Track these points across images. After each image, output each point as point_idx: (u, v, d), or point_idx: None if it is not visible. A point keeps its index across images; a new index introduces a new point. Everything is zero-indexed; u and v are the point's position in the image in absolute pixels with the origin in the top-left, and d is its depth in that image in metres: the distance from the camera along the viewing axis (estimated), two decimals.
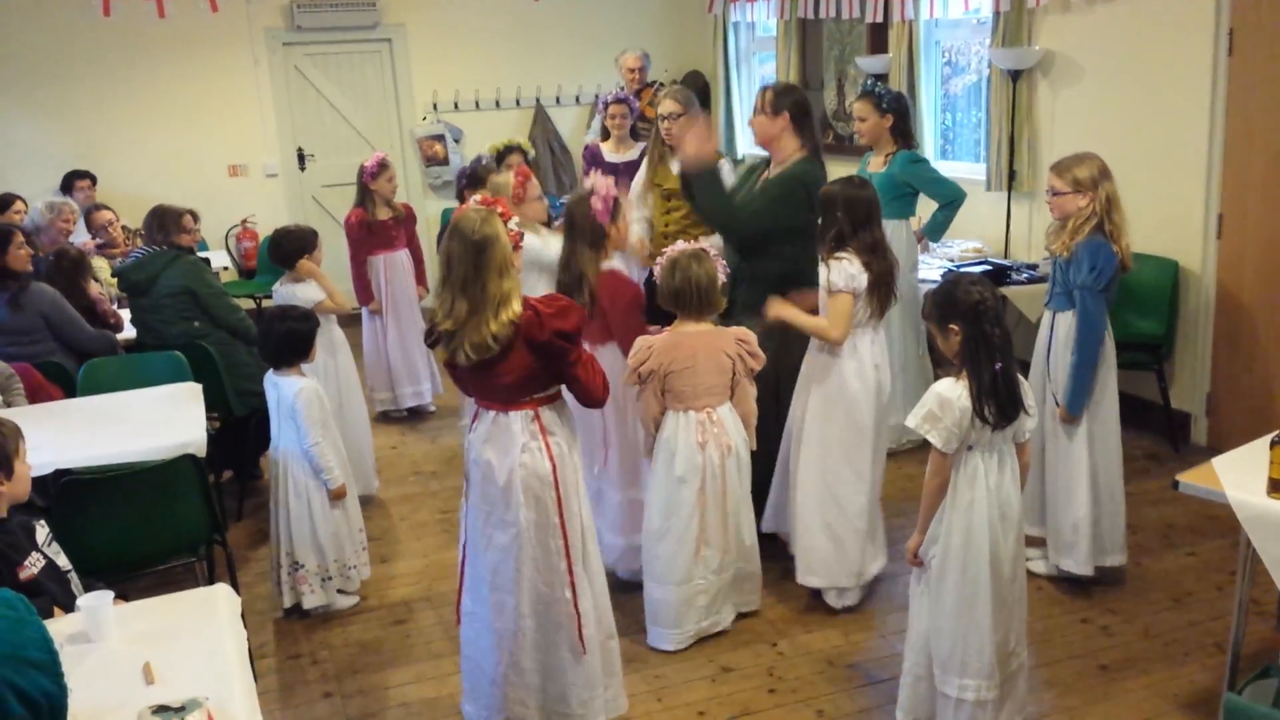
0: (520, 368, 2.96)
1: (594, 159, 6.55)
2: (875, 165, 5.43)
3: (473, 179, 5.68)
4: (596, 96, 8.41)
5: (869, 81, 5.99)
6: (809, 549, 3.97)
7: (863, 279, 3.76)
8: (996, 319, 2.90)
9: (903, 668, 3.22)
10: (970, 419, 2.89)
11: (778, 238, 4.12)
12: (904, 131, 5.42)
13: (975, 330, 2.90)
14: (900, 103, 5.41)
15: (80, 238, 6.83)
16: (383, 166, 6.12)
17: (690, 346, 3.66)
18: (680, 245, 3.75)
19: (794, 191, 4.13)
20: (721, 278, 3.69)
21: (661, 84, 7.84)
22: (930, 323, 3.05)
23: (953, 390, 2.92)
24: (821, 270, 3.80)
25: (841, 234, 3.79)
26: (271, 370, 4.19)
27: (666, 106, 5.11)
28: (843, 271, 3.74)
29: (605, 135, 6.58)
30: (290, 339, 4.13)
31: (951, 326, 2.93)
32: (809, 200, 4.02)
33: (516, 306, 2.91)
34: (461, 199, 5.48)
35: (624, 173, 6.56)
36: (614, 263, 3.96)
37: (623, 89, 7.69)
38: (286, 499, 4.09)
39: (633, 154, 6.62)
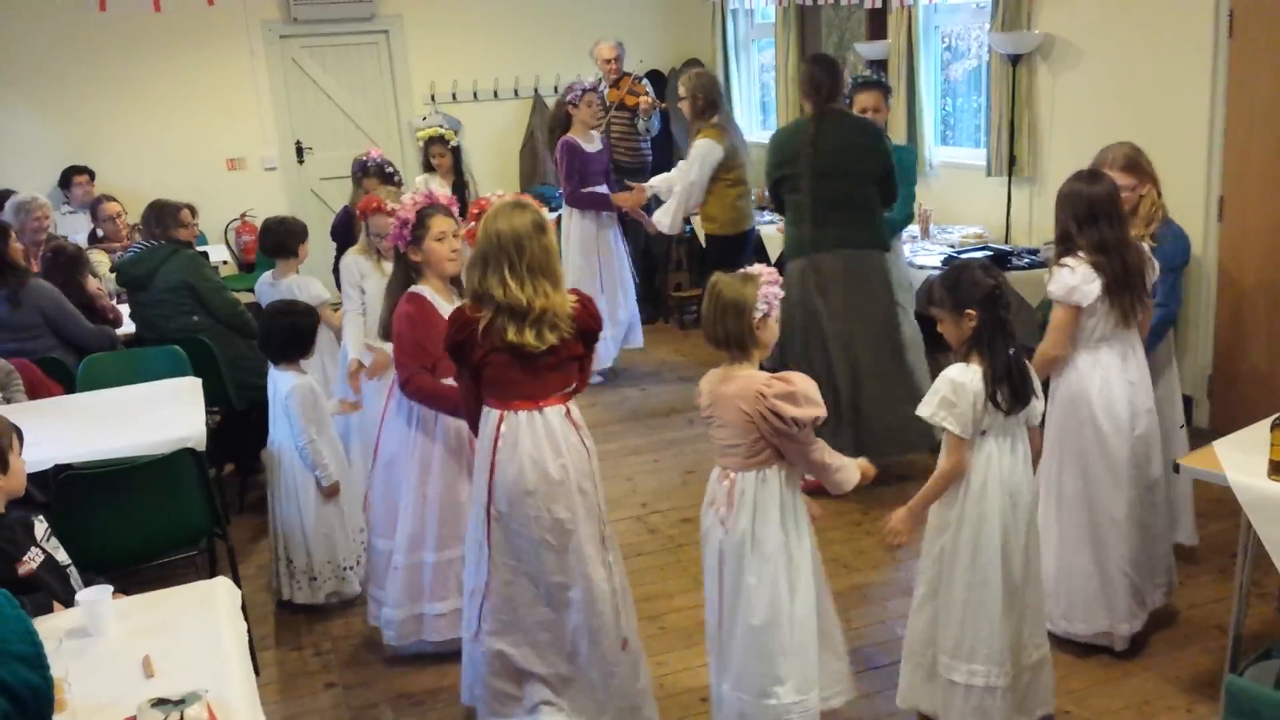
0: (567, 355, 3.01)
1: (572, 155, 6.56)
2: None
3: (365, 170, 5.57)
4: (557, 88, 8.42)
5: (870, 71, 5.85)
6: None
7: (1090, 289, 3.32)
8: (1006, 304, 2.92)
9: (903, 654, 3.21)
10: (984, 403, 2.89)
11: None
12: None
13: (991, 316, 2.90)
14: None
15: (78, 235, 6.84)
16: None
17: (711, 391, 2.97)
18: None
19: None
20: (762, 307, 2.87)
21: (640, 76, 7.83)
22: (941, 309, 3.00)
23: (965, 374, 2.91)
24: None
25: (1067, 234, 3.38)
26: (270, 365, 4.19)
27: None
28: (1060, 281, 3.35)
29: (566, 127, 6.56)
30: (291, 334, 4.12)
31: (969, 312, 2.92)
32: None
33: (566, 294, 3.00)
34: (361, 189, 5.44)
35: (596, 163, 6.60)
36: (423, 288, 3.50)
37: (600, 80, 7.68)
38: (280, 495, 4.09)
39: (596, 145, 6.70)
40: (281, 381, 4.09)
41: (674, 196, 6.15)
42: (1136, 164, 3.81)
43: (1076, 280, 3.31)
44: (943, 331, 3.05)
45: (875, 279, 4.84)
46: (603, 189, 6.66)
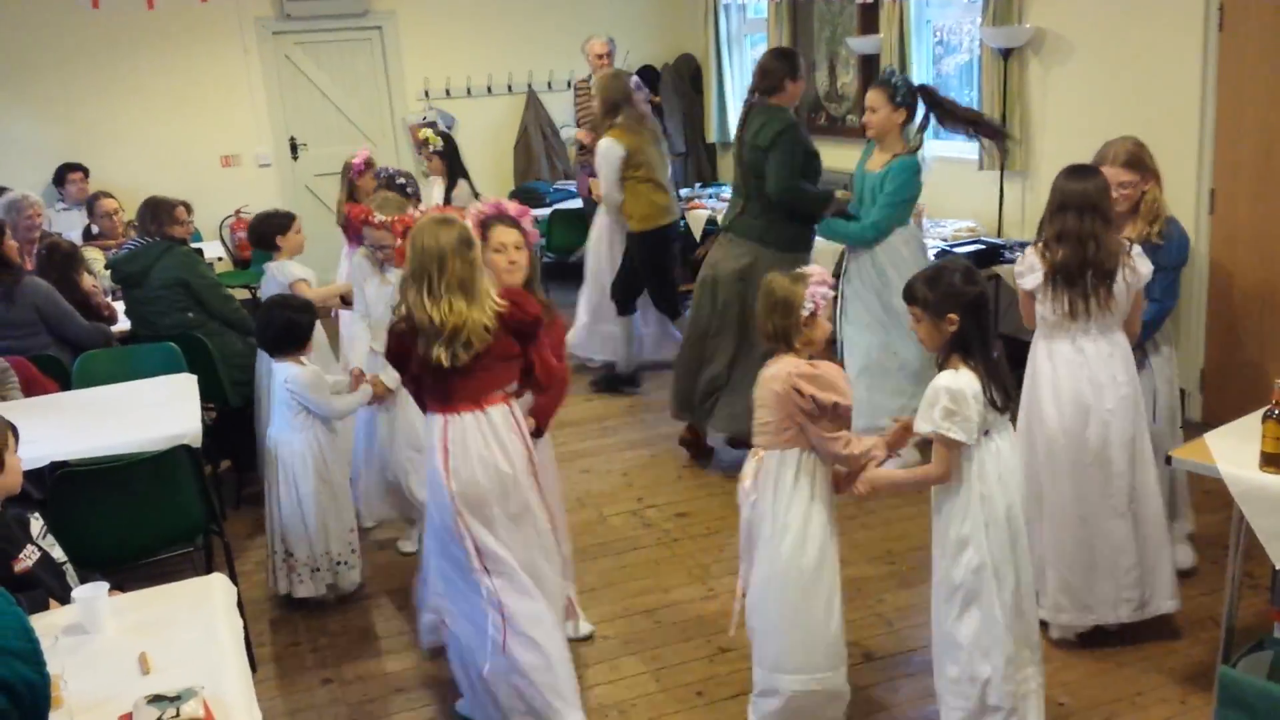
0: (501, 356, 3.08)
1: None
2: (874, 164, 4.91)
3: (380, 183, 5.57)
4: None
5: (888, 70, 5.59)
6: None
7: (1031, 276, 3.45)
8: (989, 311, 2.95)
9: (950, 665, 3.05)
10: (985, 405, 2.86)
11: None
12: (910, 130, 4.87)
13: (973, 322, 2.88)
14: (916, 98, 4.80)
15: (72, 232, 6.83)
16: (369, 164, 6.08)
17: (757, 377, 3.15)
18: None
19: None
20: (809, 305, 3.02)
21: (630, 72, 7.83)
22: (922, 310, 2.95)
23: (959, 380, 2.86)
24: None
25: (1041, 222, 3.52)
26: (269, 358, 4.20)
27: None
28: (1016, 264, 3.54)
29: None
30: (287, 329, 4.12)
31: (950, 317, 2.89)
32: None
33: (496, 297, 3.06)
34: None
35: None
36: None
37: (591, 76, 7.68)
38: (277, 486, 4.10)
39: None
40: (279, 371, 4.10)
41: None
42: (1139, 160, 3.77)
43: (1023, 266, 3.49)
44: (916, 329, 3.01)
45: (753, 270, 4.79)
46: None
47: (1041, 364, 3.54)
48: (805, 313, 3.00)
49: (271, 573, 4.16)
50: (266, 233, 5.08)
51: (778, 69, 4.92)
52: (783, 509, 3.03)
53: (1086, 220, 3.37)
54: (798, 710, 3.11)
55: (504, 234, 3.40)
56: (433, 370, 3.03)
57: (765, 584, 3.08)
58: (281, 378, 4.07)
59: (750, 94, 5.04)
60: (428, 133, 6.69)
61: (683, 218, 7.31)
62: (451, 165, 6.59)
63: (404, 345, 3.09)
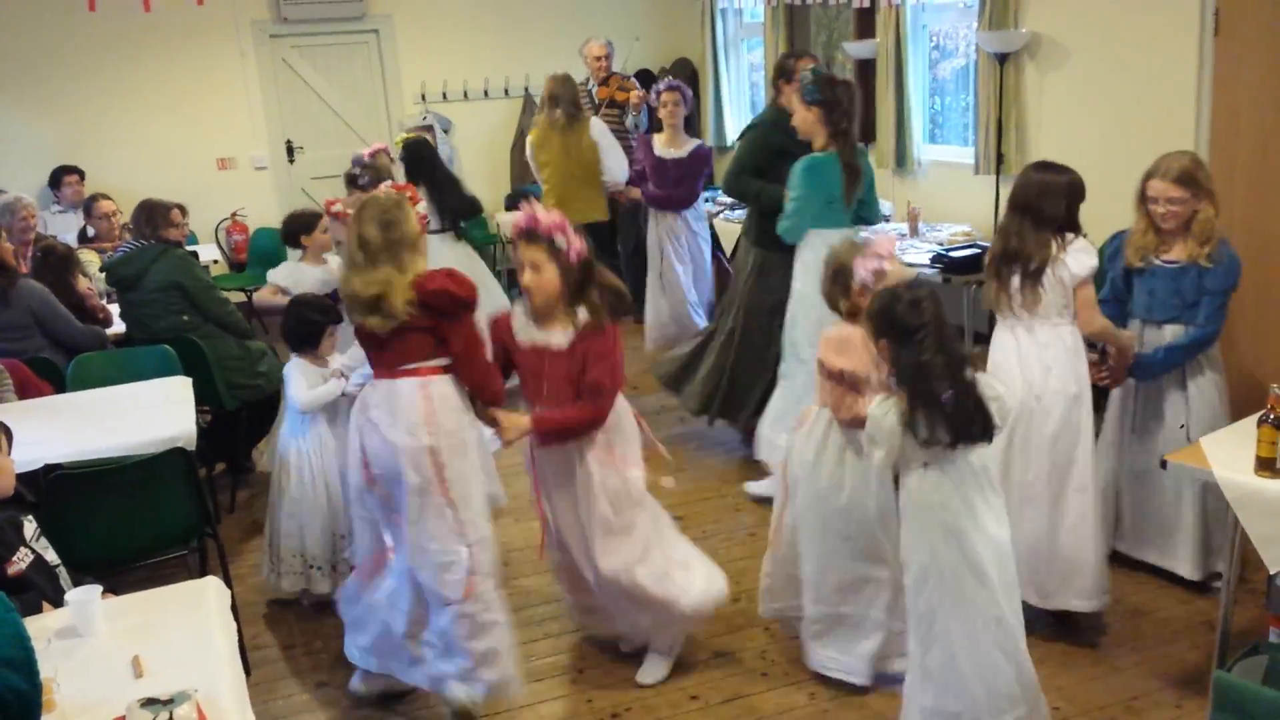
0: (416, 329, 3.15)
1: (646, 152, 6.66)
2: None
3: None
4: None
5: (804, 72, 5.47)
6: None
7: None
8: (936, 345, 2.78)
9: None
10: (910, 438, 2.80)
11: None
12: (838, 126, 4.59)
13: (910, 353, 2.79)
14: (828, 93, 4.58)
15: (67, 234, 6.82)
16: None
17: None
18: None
19: None
20: (859, 276, 3.25)
21: (628, 75, 7.85)
22: (866, 325, 2.97)
23: (878, 408, 2.85)
24: None
25: None
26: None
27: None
28: None
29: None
30: (294, 324, 4.14)
31: (881, 342, 2.87)
32: None
33: (421, 268, 3.20)
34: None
35: (673, 169, 6.56)
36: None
37: (589, 79, 7.70)
38: (292, 490, 4.09)
39: (683, 151, 6.64)
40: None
41: None
42: (1192, 177, 3.66)
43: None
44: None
45: (744, 267, 5.25)
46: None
47: (992, 347, 3.69)
48: (856, 283, 3.22)
49: (276, 575, 4.16)
50: (293, 231, 5.08)
51: (781, 69, 5.14)
52: (813, 460, 3.33)
53: (1015, 216, 3.53)
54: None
55: (523, 251, 3.29)
56: (364, 338, 3.25)
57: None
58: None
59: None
60: (400, 135, 6.72)
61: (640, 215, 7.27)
62: (411, 173, 6.16)
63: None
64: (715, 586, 3.50)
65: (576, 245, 3.26)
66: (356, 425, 3.29)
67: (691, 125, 7.36)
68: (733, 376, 5.24)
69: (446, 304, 3.14)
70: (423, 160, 6.27)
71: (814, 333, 3.81)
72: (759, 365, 5.08)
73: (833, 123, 4.57)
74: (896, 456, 2.87)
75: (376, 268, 3.11)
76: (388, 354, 3.20)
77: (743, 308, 5.18)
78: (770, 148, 5.00)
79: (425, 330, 3.15)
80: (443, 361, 3.20)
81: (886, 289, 3.00)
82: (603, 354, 3.31)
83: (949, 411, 2.76)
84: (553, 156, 6.60)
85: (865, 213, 4.84)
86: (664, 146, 6.60)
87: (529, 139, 6.74)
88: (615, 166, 6.75)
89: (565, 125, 6.55)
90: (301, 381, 4.09)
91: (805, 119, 4.64)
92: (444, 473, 3.17)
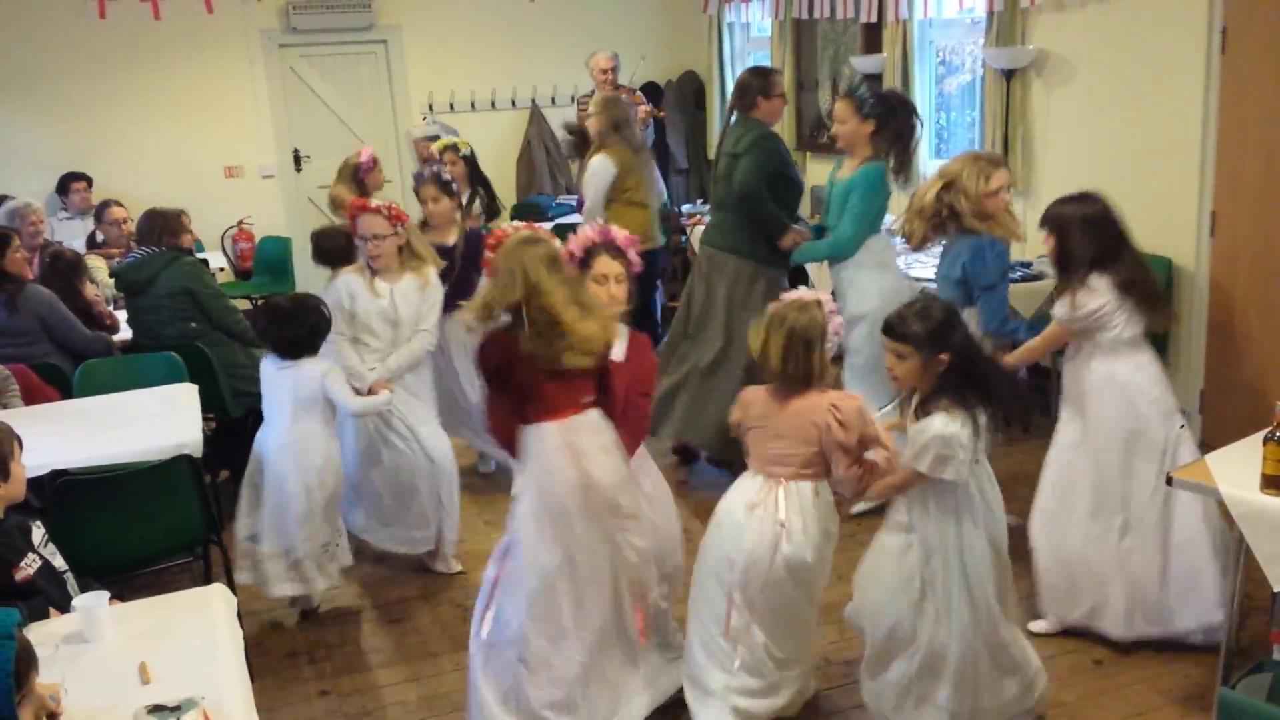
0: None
1: None
2: (844, 173, 4.84)
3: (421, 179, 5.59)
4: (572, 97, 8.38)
5: (856, 80, 5.55)
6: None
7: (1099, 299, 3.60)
8: (975, 346, 3.02)
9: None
10: (975, 446, 2.92)
11: None
12: (890, 141, 4.73)
13: (969, 361, 2.94)
14: (888, 108, 4.73)
15: (75, 241, 6.84)
16: (376, 162, 6.09)
17: (766, 405, 3.15)
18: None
19: None
20: (833, 340, 3.09)
21: (635, 88, 7.88)
22: (914, 346, 2.93)
23: (949, 427, 2.87)
24: None
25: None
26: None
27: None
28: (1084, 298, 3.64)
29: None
30: (321, 327, 4.08)
31: (943, 356, 2.91)
32: None
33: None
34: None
35: None
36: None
37: (594, 91, 7.73)
38: (283, 487, 4.02)
39: None
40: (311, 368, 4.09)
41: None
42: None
43: (1085, 297, 3.59)
44: (895, 368, 2.99)
45: (723, 281, 5.02)
46: None
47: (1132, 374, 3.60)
48: (830, 347, 3.04)
49: (260, 578, 4.06)
50: (332, 254, 4.90)
51: (752, 85, 4.99)
52: (816, 539, 3.08)
53: (1129, 244, 3.58)
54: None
55: (606, 265, 3.29)
56: (538, 380, 3.03)
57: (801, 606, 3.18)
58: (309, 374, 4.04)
59: (729, 111, 5.14)
60: (454, 139, 6.67)
61: (684, 235, 7.32)
62: (474, 176, 6.40)
63: (505, 355, 3.04)
64: None
65: (638, 263, 3.37)
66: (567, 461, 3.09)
67: (664, 132, 7.44)
68: None
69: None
70: (477, 164, 6.50)
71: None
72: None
73: (884, 138, 4.69)
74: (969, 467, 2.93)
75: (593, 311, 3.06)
76: (569, 390, 3.09)
77: (733, 327, 4.92)
78: (783, 168, 5.00)
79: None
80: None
81: (915, 303, 3.04)
82: (651, 363, 3.41)
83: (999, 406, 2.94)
84: (641, 180, 6.20)
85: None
86: None
87: (613, 171, 6.02)
88: (663, 187, 6.75)
89: (641, 145, 6.34)
90: (347, 387, 4.06)
91: (859, 131, 4.70)
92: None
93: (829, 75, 8.09)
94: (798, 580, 3.09)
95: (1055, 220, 3.60)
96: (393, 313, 4.29)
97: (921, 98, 6.98)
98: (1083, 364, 3.63)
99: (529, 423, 3.10)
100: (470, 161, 6.47)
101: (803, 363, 3.01)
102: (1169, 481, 3.21)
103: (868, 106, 4.68)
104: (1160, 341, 5.30)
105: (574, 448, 3.07)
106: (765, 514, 3.06)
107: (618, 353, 3.22)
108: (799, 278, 5.83)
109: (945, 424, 2.87)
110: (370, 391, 4.19)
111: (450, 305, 4.51)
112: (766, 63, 8.73)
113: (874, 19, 7.08)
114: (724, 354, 5.01)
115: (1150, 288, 3.59)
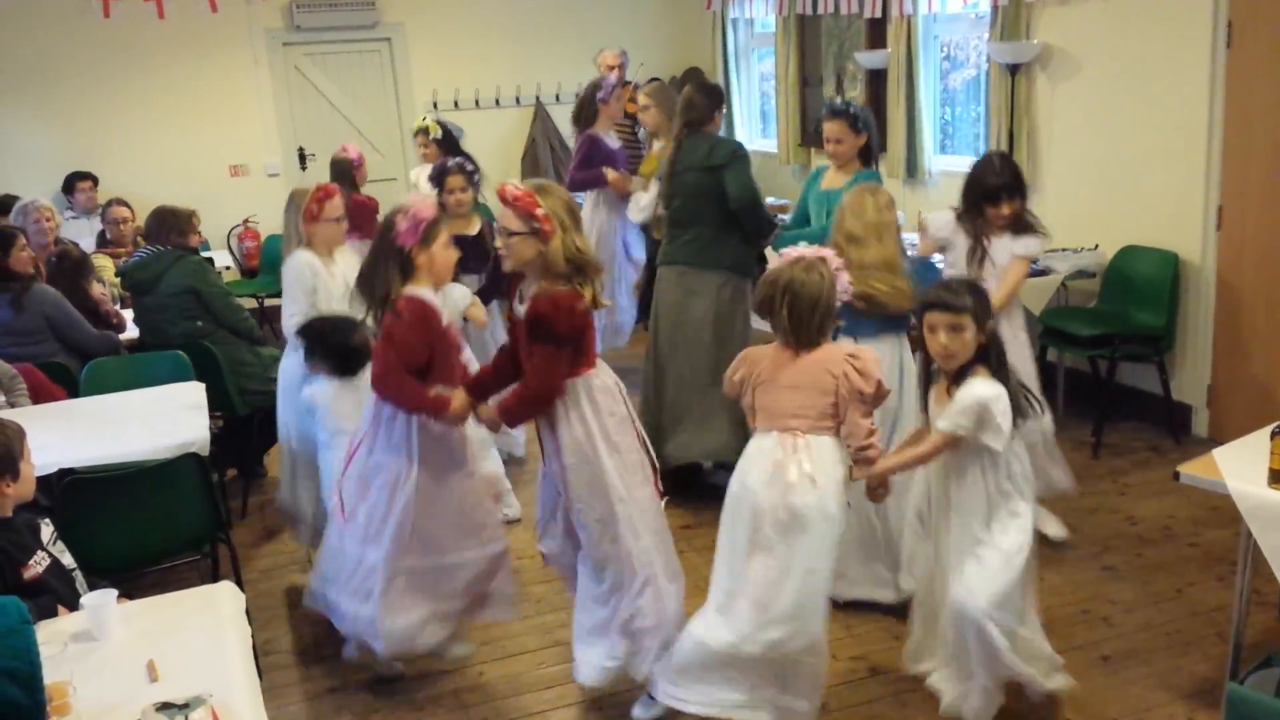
0: None
1: (594, 147, 6.56)
2: (832, 182, 4.77)
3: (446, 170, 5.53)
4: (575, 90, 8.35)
5: (836, 99, 5.47)
6: None
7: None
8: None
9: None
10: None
11: None
12: (870, 150, 4.78)
13: (994, 341, 3.07)
14: (871, 118, 4.78)
15: (82, 240, 6.85)
16: (362, 158, 6.10)
17: (774, 360, 3.14)
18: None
19: None
20: (843, 292, 3.13)
21: (639, 84, 7.87)
22: (972, 319, 3.00)
23: (993, 388, 3.00)
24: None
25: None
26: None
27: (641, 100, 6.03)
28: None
29: (592, 121, 6.60)
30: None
31: (989, 324, 3.04)
32: None
33: None
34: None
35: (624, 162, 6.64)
36: (422, 290, 3.43)
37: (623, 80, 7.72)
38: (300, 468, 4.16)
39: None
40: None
41: (650, 192, 6.15)
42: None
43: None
44: (950, 342, 3.01)
45: (702, 297, 4.91)
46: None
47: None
48: (840, 302, 3.11)
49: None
50: None
51: (704, 103, 4.97)
52: (837, 492, 3.03)
53: None
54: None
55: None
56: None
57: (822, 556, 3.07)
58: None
59: (681, 128, 5.00)
60: (428, 121, 6.71)
61: None
62: (448, 153, 6.42)
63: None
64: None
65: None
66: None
67: None
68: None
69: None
70: (456, 142, 6.60)
71: None
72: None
73: (871, 149, 4.76)
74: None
75: None
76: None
77: (720, 338, 4.92)
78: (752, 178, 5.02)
79: None
80: None
81: (949, 281, 3.19)
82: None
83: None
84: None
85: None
86: (610, 140, 6.68)
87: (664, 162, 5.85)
88: None
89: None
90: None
91: (855, 145, 4.69)
92: None
93: (833, 71, 8.07)
94: (821, 533, 3.01)
95: (1018, 185, 4.12)
96: (346, 284, 4.17)
97: (926, 93, 6.97)
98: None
99: (577, 375, 3.26)
100: (443, 143, 6.54)
101: (812, 322, 3.03)
102: (1175, 477, 3.21)
103: (860, 122, 4.68)
104: (1167, 337, 5.32)
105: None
106: (792, 467, 3.02)
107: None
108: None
109: (989, 386, 2.98)
110: None
111: (493, 293, 4.52)
112: (770, 59, 8.74)
113: (878, 14, 7.06)
114: (718, 367, 4.95)
115: None
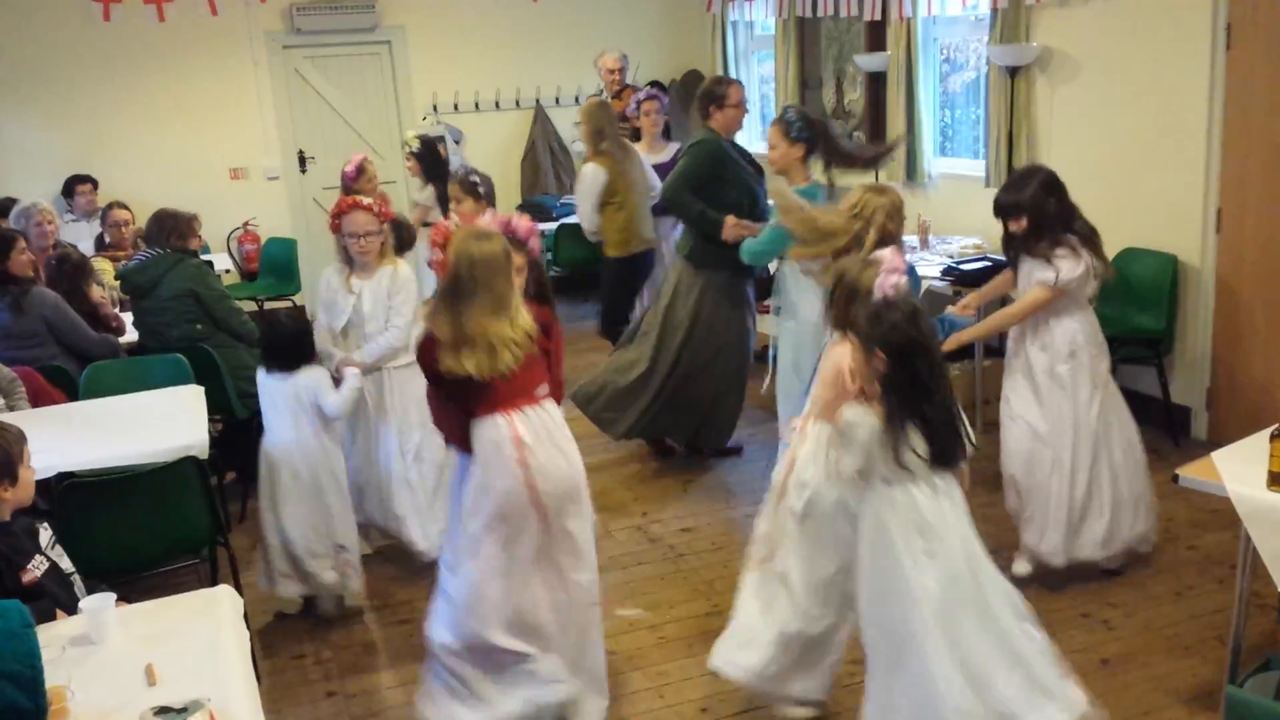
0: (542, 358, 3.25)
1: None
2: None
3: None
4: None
5: (786, 107, 5.44)
6: None
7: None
8: (930, 363, 2.74)
9: None
10: (888, 454, 2.73)
11: None
12: (826, 160, 4.78)
13: (907, 369, 2.71)
14: (814, 132, 4.73)
15: (81, 243, 6.86)
16: (360, 170, 6.11)
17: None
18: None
19: None
20: (879, 294, 2.98)
21: (639, 86, 7.89)
22: (858, 340, 2.84)
23: (856, 415, 2.77)
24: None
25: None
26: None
27: None
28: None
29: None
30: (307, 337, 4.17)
31: (879, 354, 2.73)
32: None
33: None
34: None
35: (660, 175, 6.58)
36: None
37: (602, 90, 7.74)
38: (290, 492, 4.08)
39: (665, 155, 6.68)
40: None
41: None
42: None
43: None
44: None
45: (684, 287, 5.26)
46: None
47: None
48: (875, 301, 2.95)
49: (272, 580, 4.14)
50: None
51: (697, 102, 5.23)
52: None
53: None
54: None
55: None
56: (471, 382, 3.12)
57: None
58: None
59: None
60: (409, 134, 6.75)
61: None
62: (428, 170, 6.61)
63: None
64: None
65: (536, 249, 3.48)
66: (515, 458, 3.16)
67: (670, 131, 7.49)
68: (712, 403, 5.37)
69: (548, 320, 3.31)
70: (438, 157, 6.59)
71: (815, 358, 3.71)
72: (720, 385, 5.33)
73: (809, 159, 4.76)
74: (864, 466, 2.79)
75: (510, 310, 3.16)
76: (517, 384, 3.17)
77: (700, 331, 5.22)
78: (712, 171, 5.11)
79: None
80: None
81: (882, 301, 2.90)
82: (560, 355, 3.55)
83: (935, 429, 2.71)
84: (631, 184, 6.23)
85: None
86: (645, 153, 6.64)
87: (604, 175, 6.12)
88: (658, 182, 6.75)
89: (631, 153, 6.36)
90: (331, 392, 4.09)
91: (788, 154, 4.74)
92: None
93: (833, 74, 8.08)
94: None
95: (1019, 204, 3.93)
96: (360, 309, 4.35)
97: (925, 96, 6.97)
98: (1055, 324, 3.94)
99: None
100: (422, 156, 6.55)
101: (843, 312, 3.10)
102: (1174, 480, 3.21)
103: (795, 130, 4.70)
104: (1166, 339, 5.32)
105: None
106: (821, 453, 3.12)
107: None
108: None
109: (853, 411, 2.79)
110: (337, 374, 4.23)
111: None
112: (770, 62, 8.75)
113: (878, 17, 7.07)
114: (693, 363, 5.25)
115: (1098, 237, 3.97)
